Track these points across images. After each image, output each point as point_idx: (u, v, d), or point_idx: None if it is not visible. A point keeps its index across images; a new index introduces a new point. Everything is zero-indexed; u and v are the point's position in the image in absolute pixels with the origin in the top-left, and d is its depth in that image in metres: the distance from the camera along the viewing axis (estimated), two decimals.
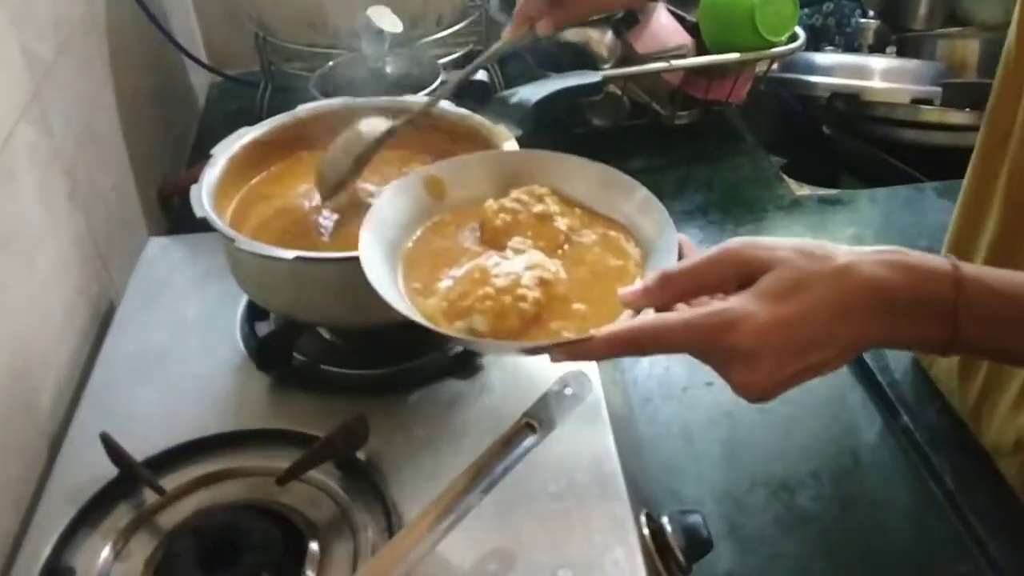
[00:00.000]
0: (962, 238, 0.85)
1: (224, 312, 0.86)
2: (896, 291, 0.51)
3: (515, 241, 0.69)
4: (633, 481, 0.68)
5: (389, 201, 0.69)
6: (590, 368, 0.72)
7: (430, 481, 0.67)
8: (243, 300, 0.86)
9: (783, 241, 0.54)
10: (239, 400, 0.77)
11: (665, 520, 0.66)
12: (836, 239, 1.18)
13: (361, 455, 0.70)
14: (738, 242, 0.55)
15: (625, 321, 0.57)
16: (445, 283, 0.66)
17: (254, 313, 0.85)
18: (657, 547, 0.65)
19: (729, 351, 0.52)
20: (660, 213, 0.67)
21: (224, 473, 0.70)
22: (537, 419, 0.64)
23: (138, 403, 0.77)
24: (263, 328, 0.83)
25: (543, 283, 0.64)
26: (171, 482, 0.69)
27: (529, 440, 0.63)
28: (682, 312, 0.54)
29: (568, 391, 0.65)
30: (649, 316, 0.56)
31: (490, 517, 0.63)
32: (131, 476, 0.68)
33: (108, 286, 0.95)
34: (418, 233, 0.71)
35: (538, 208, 0.71)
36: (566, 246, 0.70)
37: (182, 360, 0.81)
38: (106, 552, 0.65)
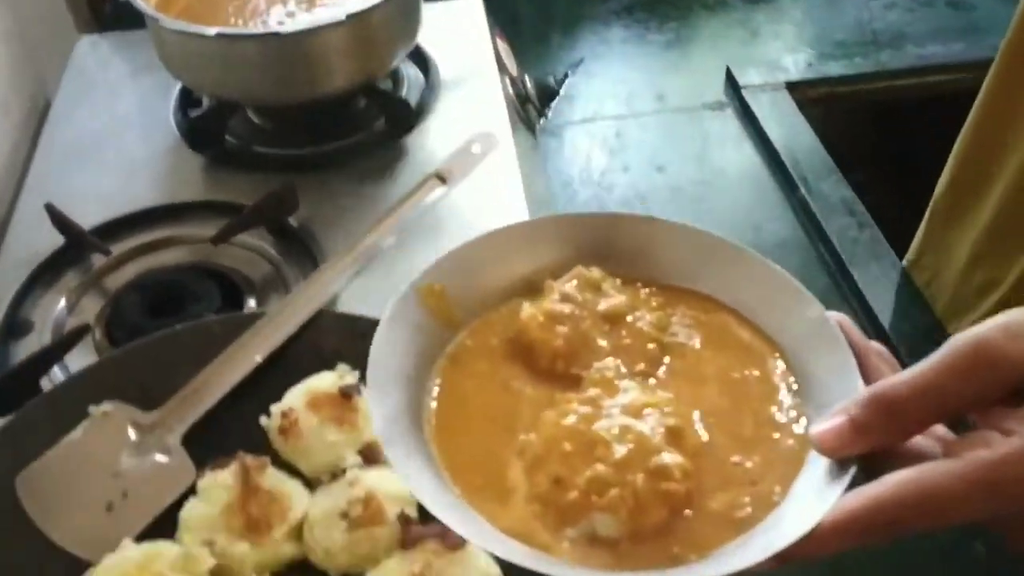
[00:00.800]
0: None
1: (157, 103, 0.89)
2: None
3: (596, 368, 0.46)
4: None
5: (385, 342, 0.43)
6: (498, 127, 0.77)
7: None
8: (175, 90, 0.89)
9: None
10: (176, 179, 0.82)
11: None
12: (761, 36, 1.23)
13: (293, 221, 0.76)
14: (990, 335, 0.36)
15: (861, 492, 0.35)
16: (515, 470, 0.42)
17: (186, 101, 0.89)
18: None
19: None
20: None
21: (165, 241, 0.76)
22: (446, 173, 0.69)
23: (79, 184, 0.81)
24: (196, 114, 0.87)
25: (674, 434, 0.42)
26: (115, 250, 0.75)
27: (438, 191, 0.68)
28: (957, 460, 0.35)
29: (475, 148, 0.70)
30: (892, 480, 0.35)
31: (404, 259, 0.69)
32: (78, 242, 0.73)
33: (42, 83, 0.98)
34: (436, 382, 0.46)
35: (603, 304, 0.48)
36: (666, 358, 0.47)
37: (119, 146, 0.85)
38: (60, 307, 0.71)
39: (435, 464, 0.42)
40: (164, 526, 0.53)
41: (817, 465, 0.39)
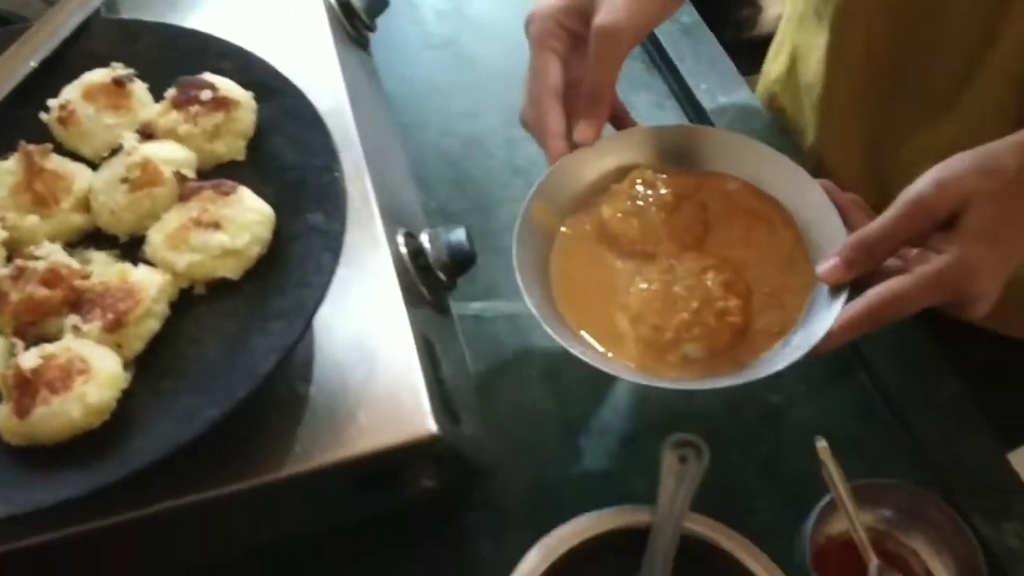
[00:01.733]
0: None
1: None
2: None
3: (665, 249, 0.65)
4: (389, 199, 0.68)
5: (520, 252, 0.63)
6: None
7: None
8: None
9: (957, 168, 0.56)
10: None
11: (424, 237, 0.66)
12: None
13: None
14: (925, 191, 0.55)
15: (851, 305, 0.56)
16: (622, 321, 0.63)
17: None
18: (417, 267, 0.64)
19: (970, 297, 0.55)
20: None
21: None
22: None
23: None
24: None
25: (727, 285, 0.62)
26: None
27: None
28: (911, 274, 0.55)
29: None
30: (873, 292, 0.55)
31: None
32: None
33: None
34: (553, 266, 0.65)
35: (660, 196, 0.66)
36: (709, 233, 0.66)
37: None
38: None
39: (570, 324, 0.62)
40: None
41: (823, 291, 0.59)
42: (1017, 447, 0.91)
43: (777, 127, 0.91)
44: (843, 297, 0.58)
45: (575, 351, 0.58)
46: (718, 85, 0.93)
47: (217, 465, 0.54)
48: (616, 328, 0.62)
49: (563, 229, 0.67)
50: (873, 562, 0.63)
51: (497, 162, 0.90)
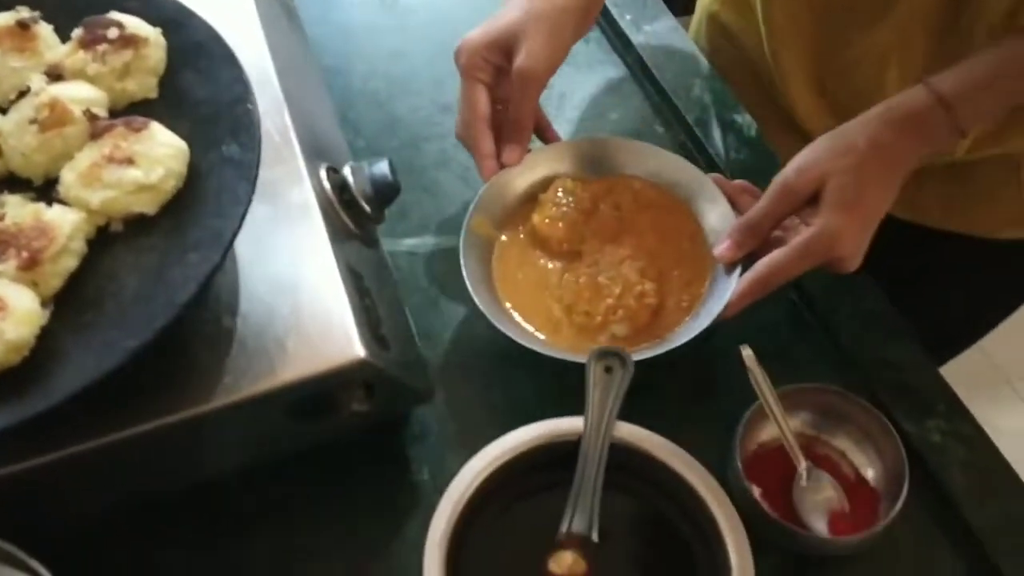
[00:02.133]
0: None
1: None
2: (910, 144, 0.67)
3: (588, 246, 0.75)
4: (311, 136, 0.68)
5: (466, 264, 0.71)
6: None
7: None
8: None
9: (814, 152, 0.67)
10: None
11: (347, 171, 0.67)
12: None
13: None
14: (788, 175, 0.67)
15: (743, 279, 0.67)
16: (556, 311, 0.72)
17: None
18: (342, 201, 0.65)
19: (838, 258, 0.66)
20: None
21: None
22: None
23: None
24: None
25: (642, 271, 0.72)
26: None
27: None
28: (787, 247, 0.65)
29: None
30: (759, 263, 0.66)
31: None
32: None
33: None
34: (495, 270, 0.75)
35: (579, 200, 0.76)
36: (623, 228, 0.76)
37: None
38: None
39: (515, 318, 0.72)
40: None
41: (720, 269, 0.70)
42: (945, 362, 0.95)
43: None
44: (738, 271, 0.69)
45: (522, 341, 0.68)
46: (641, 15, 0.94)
47: (147, 401, 0.55)
48: (553, 317, 0.72)
49: (502, 238, 0.76)
50: (803, 464, 0.65)
51: (424, 100, 0.90)
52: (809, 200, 0.67)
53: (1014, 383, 1.97)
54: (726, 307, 0.67)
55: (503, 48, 0.73)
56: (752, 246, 0.69)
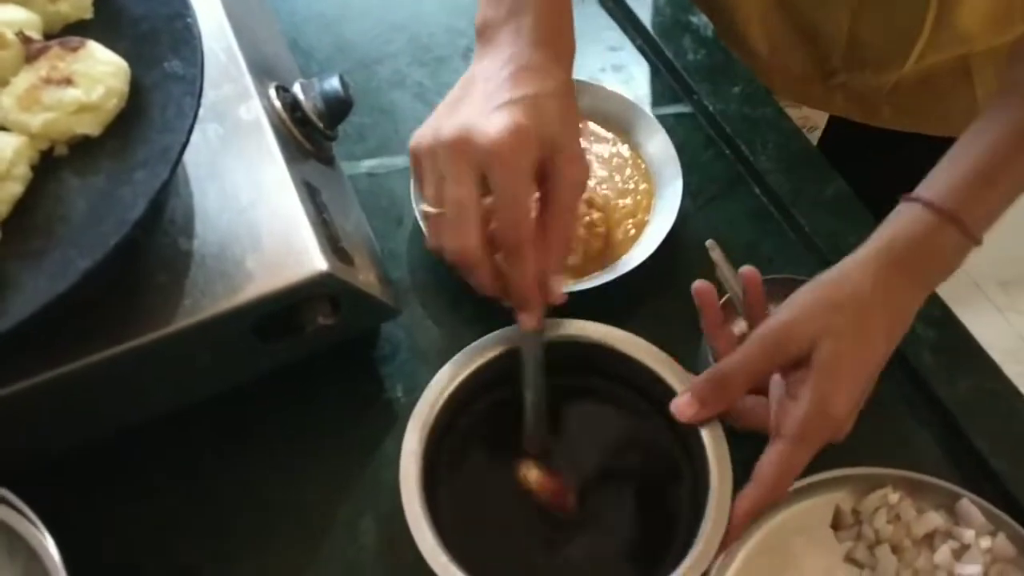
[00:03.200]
0: None
1: None
2: (923, 280, 0.57)
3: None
4: (258, 56, 0.66)
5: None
6: None
7: None
8: None
9: (805, 306, 0.56)
10: None
11: (297, 88, 0.65)
12: None
13: None
14: (777, 330, 0.56)
15: (748, 489, 0.55)
16: None
17: None
18: (294, 119, 0.63)
19: (835, 432, 0.56)
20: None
21: None
22: None
23: None
24: None
25: (591, 202, 0.72)
26: None
27: None
28: (782, 440, 0.55)
29: None
30: (760, 468, 0.55)
31: None
32: None
33: None
34: None
35: None
36: None
37: None
38: None
39: None
40: None
41: (663, 199, 0.73)
42: None
43: None
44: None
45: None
46: None
47: (107, 327, 0.54)
48: None
49: None
50: None
51: (373, 20, 0.88)
52: (795, 360, 0.56)
53: (985, 289, 1.99)
54: (727, 533, 0.55)
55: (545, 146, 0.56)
56: (720, 407, 0.57)
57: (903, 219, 0.57)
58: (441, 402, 0.59)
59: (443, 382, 0.60)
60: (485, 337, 0.62)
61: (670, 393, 0.59)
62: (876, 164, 0.87)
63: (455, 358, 0.61)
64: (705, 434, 0.58)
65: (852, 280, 0.56)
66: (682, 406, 0.57)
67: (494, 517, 0.61)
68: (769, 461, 0.55)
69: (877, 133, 0.90)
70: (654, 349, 0.61)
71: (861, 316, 0.55)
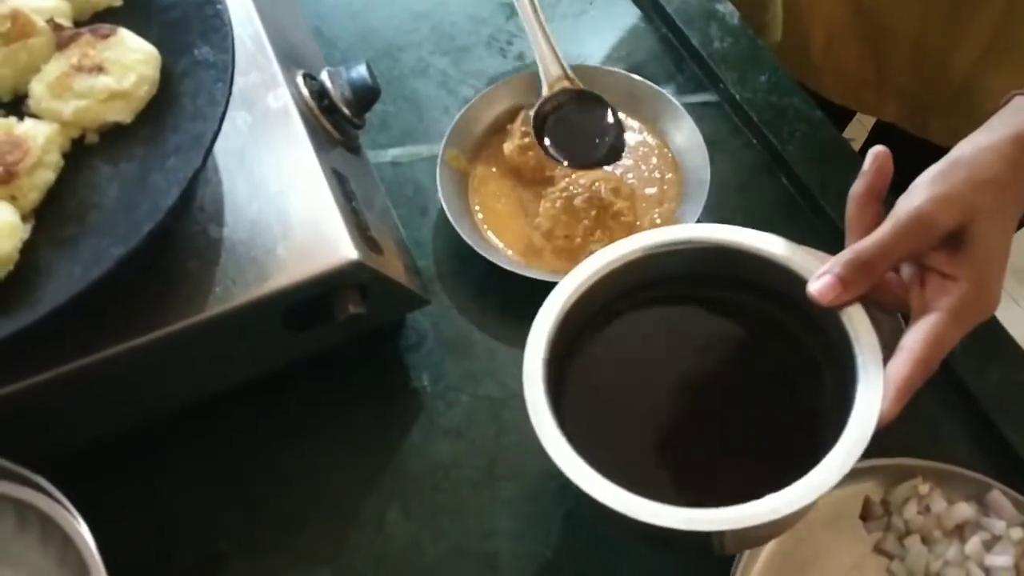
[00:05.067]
0: None
1: None
2: None
3: (560, 170, 0.74)
4: (286, 44, 0.66)
5: (444, 195, 0.72)
6: None
7: None
8: None
9: (951, 183, 0.52)
10: None
11: (325, 76, 0.65)
12: None
13: None
14: (926, 206, 0.51)
15: (898, 363, 0.51)
16: (537, 238, 0.73)
17: None
18: (322, 108, 0.64)
19: (990, 313, 0.54)
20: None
21: None
22: None
23: None
24: None
25: (615, 191, 0.72)
26: None
27: None
28: (943, 312, 0.51)
29: None
30: (914, 341, 0.51)
31: None
32: None
33: None
34: (475, 201, 0.75)
35: None
36: None
37: None
38: None
39: (497, 247, 0.73)
40: None
41: (692, 186, 0.73)
42: None
43: None
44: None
45: (513, 268, 0.69)
46: None
47: (139, 314, 0.54)
48: (534, 245, 0.73)
49: (476, 169, 0.76)
50: None
51: (396, 8, 0.87)
52: (943, 240, 0.53)
53: (1007, 284, 1.97)
54: (881, 416, 0.51)
55: None
56: (863, 289, 0.53)
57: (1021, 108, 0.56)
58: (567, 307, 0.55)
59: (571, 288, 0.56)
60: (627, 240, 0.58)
61: (798, 282, 0.54)
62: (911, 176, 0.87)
63: (579, 267, 0.57)
64: (846, 318, 0.53)
65: (991, 163, 0.54)
66: (824, 289, 0.53)
67: (623, 411, 0.56)
68: (924, 334, 0.51)
69: (922, 150, 0.90)
70: (778, 240, 0.57)
71: (1003, 198, 0.53)
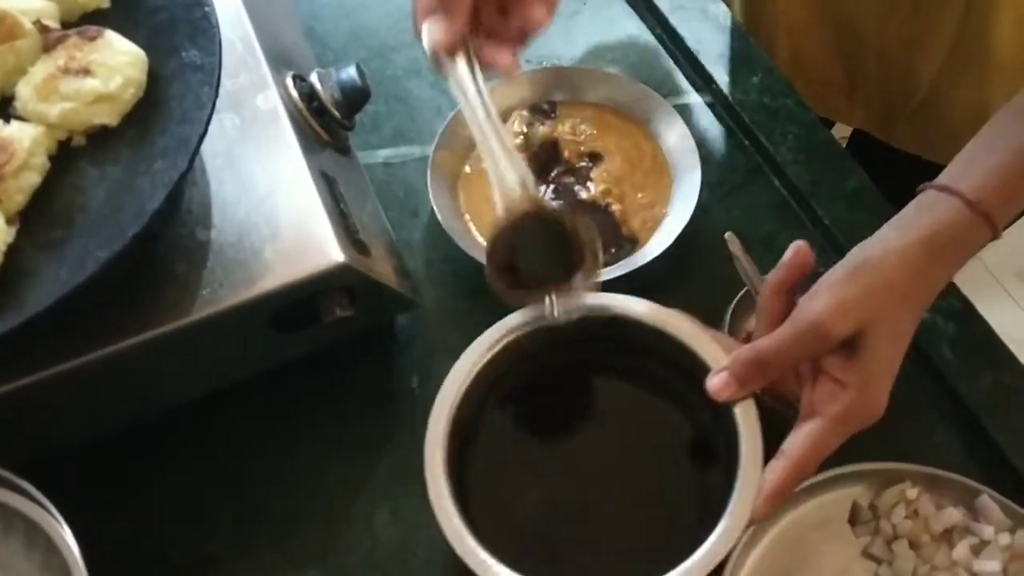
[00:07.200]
0: None
1: None
2: (951, 271, 0.56)
3: (556, 171, 0.75)
4: (275, 45, 0.66)
5: (433, 192, 0.71)
6: None
7: None
8: None
9: (851, 290, 0.53)
10: None
11: (314, 78, 0.65)
12: None
13: None
14: (824, 313, 0.53)
15: (776, 468, 0.53)
16: None
17: None
18: (311, 109, 0.63)
19: (874, 420, 0.54)
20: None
21: None
22: None
23: None
24: None
25: (606, 192, 0.73)
26: None
27: None
28: (822, 418, 0.53)
29: None
30: (792, 447, 0.53)
31: None
32: None
33: None
34: (462, 201, 0.75)
35: (539, 133, 0.76)
36: (589, 150, 0.76)
37: None
38: None
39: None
40: None
41: (682, 190, 0.73)
42: None
43: None
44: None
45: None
46: None
47: (127, 317, 0.54)
48: None
49: (466, 170, 0.76)
50: None
51: (389, 8, 0.87)
52: (834, 347, 0.54)
53: (1002, 280, 1.97)
54: (752, 515, 0.53)
55: None
56: (757, 387, 0.56)
57: (943, 213, 0.56)
58: (464, 388, 0.58)
59: (466, 369, 0.59)
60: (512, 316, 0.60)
61: (702, 367, 0.57)
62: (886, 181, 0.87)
63: (473, 345, 0.60)
64: (738, 411, 0.56)
65: (895, 268, 0.55)
66: (720, 386, 0.56)
67: (520, 495, 0.59)
68: (804, 439, 0.53)
69: (900, 154, 0.90)
70: (686, 321, 0.59)
71: (903, 305, 0.55)
